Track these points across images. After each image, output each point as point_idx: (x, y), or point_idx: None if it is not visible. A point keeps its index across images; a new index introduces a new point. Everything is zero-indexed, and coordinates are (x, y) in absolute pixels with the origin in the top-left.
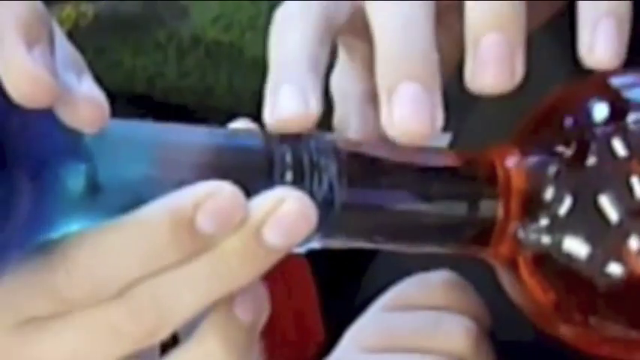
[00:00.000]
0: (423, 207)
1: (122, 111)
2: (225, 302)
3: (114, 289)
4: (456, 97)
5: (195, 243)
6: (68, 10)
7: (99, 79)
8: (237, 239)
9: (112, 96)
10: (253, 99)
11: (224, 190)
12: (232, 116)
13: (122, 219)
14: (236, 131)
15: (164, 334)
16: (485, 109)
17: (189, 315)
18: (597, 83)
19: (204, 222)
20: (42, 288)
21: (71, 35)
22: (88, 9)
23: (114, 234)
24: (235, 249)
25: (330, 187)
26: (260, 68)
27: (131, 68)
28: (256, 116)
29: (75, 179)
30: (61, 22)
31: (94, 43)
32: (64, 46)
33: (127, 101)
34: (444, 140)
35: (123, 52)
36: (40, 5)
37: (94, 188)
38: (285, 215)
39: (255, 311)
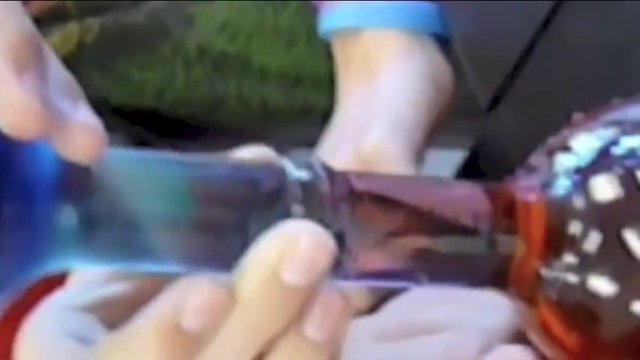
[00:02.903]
0: (438, 244)
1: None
2: (295, 322)
3: None
4: None
5: (187, 344)
6: (71, 25)
7: (107, 95)
8: (258, 288)
9: (119, 112)
10: (262, 107)
11: (202, 285)
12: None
13: (112, 337)
14: (243, 161)
15: None
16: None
17: None
18: (620, 114)
19: (191, 322)
20: None
21: (78, 52)
22: (94, 23)
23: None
24: (261, 299)
25: (341, 223)
26: (267, 76)
27: (139, 83)
28: (265, 124)
29: (68, 214)
30: (66, 39)
31: (101, 59)
32: (57, 70)
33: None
34: None
35: (130, 68)
36: (31, 27)
37: (89, 223)
38: (302, 252)
39: (328, 328)
